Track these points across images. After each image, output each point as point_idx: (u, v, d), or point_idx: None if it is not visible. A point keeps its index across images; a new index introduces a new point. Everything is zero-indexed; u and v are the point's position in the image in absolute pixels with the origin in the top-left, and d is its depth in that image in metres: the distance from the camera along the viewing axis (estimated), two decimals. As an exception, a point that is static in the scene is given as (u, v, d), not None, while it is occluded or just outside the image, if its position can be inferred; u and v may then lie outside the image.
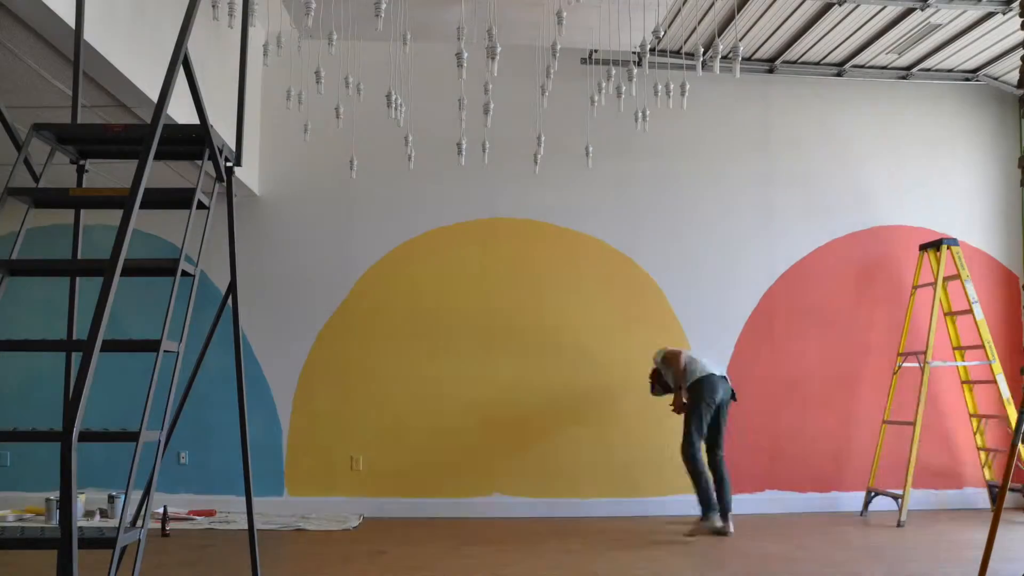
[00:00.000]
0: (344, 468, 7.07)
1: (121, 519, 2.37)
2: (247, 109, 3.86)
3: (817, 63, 7.48)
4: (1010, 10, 6.10)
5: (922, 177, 7.67)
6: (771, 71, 7.49)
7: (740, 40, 6.60)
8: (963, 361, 7.20)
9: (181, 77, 2.91)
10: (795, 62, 7.44)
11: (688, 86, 5.58)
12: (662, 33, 6.02)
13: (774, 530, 6.43)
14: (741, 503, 7.18)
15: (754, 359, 7.36)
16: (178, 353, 2.78)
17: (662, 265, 7.38)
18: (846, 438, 7.36)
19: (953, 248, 6.99)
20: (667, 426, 7.27)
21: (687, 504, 7.20)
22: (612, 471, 7.16)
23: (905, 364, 7.01)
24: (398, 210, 7.29)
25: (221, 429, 6.84)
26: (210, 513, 6.61)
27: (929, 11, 6.22)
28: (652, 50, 6.38)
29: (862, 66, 7.48)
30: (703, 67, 5.05)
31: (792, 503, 7.21)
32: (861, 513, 6.94)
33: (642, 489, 7.15)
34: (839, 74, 7.56)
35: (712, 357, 6.67)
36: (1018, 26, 5.73)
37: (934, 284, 6.98)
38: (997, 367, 6.83)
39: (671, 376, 6.46)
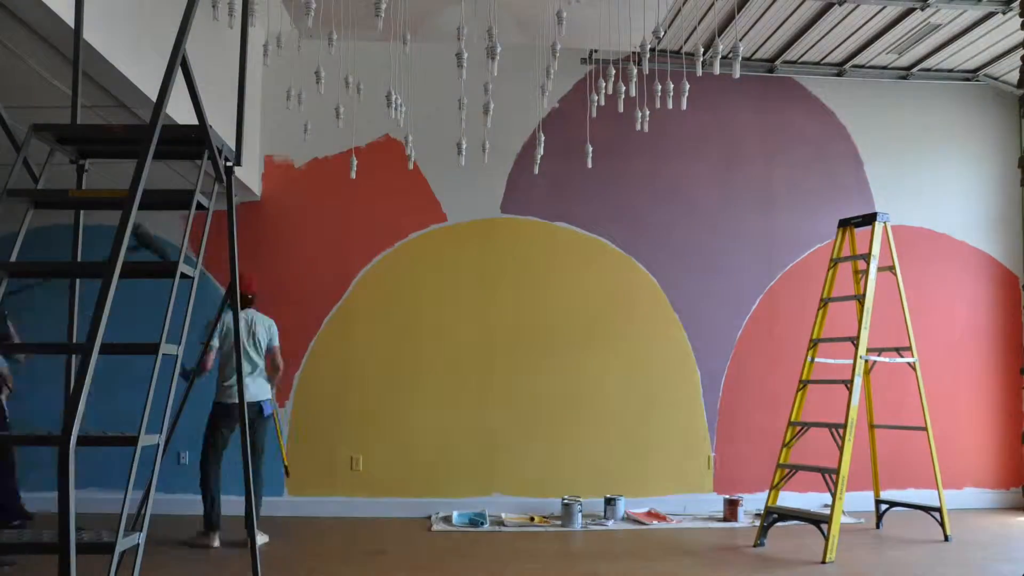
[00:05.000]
0: (344, 468, 7.06)
1: (120, 523, 2.36)
2: (247, 109, 3.85)
3: (817, 63, 7.47)
4: (1010, 10, 6.09)
5: (922, 177, 7.66)
6: (771, 71, 7.48)
7: (740, 40, 6.59)
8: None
9: (182, 77, 2.91)
10: (795, 62, 7.43)
11: (688, 86, 5.57)
12: (662, 33, 6.00)
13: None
14: (743, 503, 7.18)
15: (754, 359, 7.36)
16: (177, 356, 2.77)
17: (662, 265, 7.37)
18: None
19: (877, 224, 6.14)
20: (667, 426, 7.27)
21: (683, 504, 7.22)
22: (612, 471, 7.15)
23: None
24: (398, 210, 7.28)
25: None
26: (663, 518, 6.73)
27: (929, 11, 6.22)
28: (652, 50, 6.37)
29: (862, 66, 7.48)
30: (703, 67, 5.03)
31: (792, 503, 7.19)
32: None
33: (643, 489, 7.15)
34: (839, 74, 7.55)
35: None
36: (1018, 26, 5.72)
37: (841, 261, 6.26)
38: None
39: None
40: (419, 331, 7.20)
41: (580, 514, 6.52)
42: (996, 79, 7.60)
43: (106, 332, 2.31)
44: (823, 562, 5.31)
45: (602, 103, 5.92)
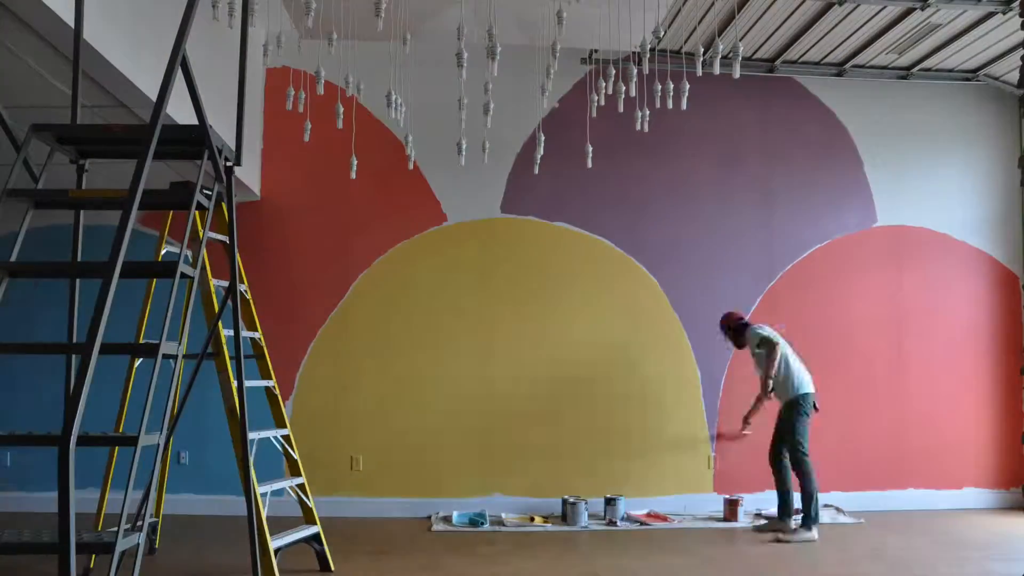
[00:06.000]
0: (344, 468, 7.06)
1: (120, 523, 2.36)
2: (247, 109, 3.85)
3: (817, 63, 7.47)
4: (1010, 10, 6.09)
5: (922, 177, 7.66)
6: (771, 71, 7.48)
7: (740, 40, 6.59)
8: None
9: (182, 77, 2.91)
10: (795, 62, 7.43)
11: (688, 86, 5.56)
12: (662, 33, 6.01)
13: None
14: (744, 503, 7.19)
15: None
16: (177, 356, 2.77)
17: (662, 265, 7.37)
18: (848, 438, 7.35)
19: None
20: (667, 426, 7.26)
21: (683, 504, 7.21)
22: (613, 471, 7.15)
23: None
24: (398, 210, 7.28)
25: (221, 429, 6.81)
26: (664, 519, 6.75)
27: (929, 11, 6.21)
28: (652, 50, 6.36)
29: (862, 66, 7.47)
30: (703, 67, 5.03)
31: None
32: None
33: (643, 489, 7.15)
34: (839, 74, 7.55)
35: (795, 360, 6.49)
36: (1018, 26, 5.71)
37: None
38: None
39: (760, 361, 6.49)
40: (419, 331, 7.20)
41: (586, 512, 6.53)
42: (996, 79, 7.60)
43: (106, 332, 2.32)
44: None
45: (602, 103, 5.92)
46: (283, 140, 7.19)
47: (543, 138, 6.02)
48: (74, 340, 3.26)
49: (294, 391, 7.11)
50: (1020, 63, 4.15)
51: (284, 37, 5.75)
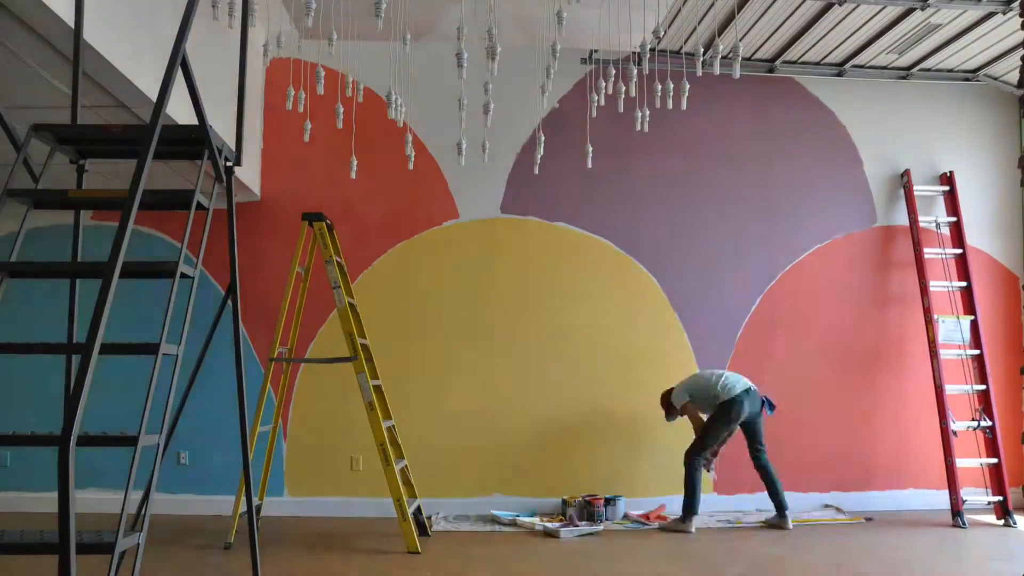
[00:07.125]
0: (344, 468, 7.07)
1: (120, 523, 2.36)
2: (247, 109, 3.85)
3: (817, 63, 7.47)
4: (1010, 10, 6.09)
5: (922, 177, 7.66)
6: (771, 71, 7.48)
7: (740, 40, 6.59)
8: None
9: (182, 77, 2.91)
10: (795, 62, 7.43)
11: (688, 86, 5.57)
12: (662, 33, 6.01)
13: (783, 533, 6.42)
14: (739, 503, 7.20)
15: (754, 359, 7.35)
16: (177, 356, 2.77)
17: (662, 265, 7.37)
18: (848, 438, 7.35)
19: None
20: (667, 426, 7.26)
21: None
22: (612, 472, 7.15)
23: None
24: (398, 210, 7.28)
25: (221, 429, 6.83)
26: (664, 519, 6.76)
27: (929, 11, 6.21)
28: (652, 50, 6.37)
29: (862, 66, 7.48)
30: (703, 67, 5.03)
31: (792, 504, 7.19)
32: None
33: (643, 489, 7.15)
34: (839, 74, 7.55)
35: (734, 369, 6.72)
36: (1018, 26, 5.71)
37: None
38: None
39: (691, 418, 6.72)
40: (419, 331, 7.20)
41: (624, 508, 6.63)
42: (996, 79, 7.60)
43: (106, 332, 2.32)
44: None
45: (602, 103, 5.92)
46: (283, 140, 7.19)
47: (543, 138, 6.02)
48: (74, 340, 3.26)
49: (294, 391, 7.10)
50: (1020, 63, 4.15)
51: (284, 37, 5.76)
